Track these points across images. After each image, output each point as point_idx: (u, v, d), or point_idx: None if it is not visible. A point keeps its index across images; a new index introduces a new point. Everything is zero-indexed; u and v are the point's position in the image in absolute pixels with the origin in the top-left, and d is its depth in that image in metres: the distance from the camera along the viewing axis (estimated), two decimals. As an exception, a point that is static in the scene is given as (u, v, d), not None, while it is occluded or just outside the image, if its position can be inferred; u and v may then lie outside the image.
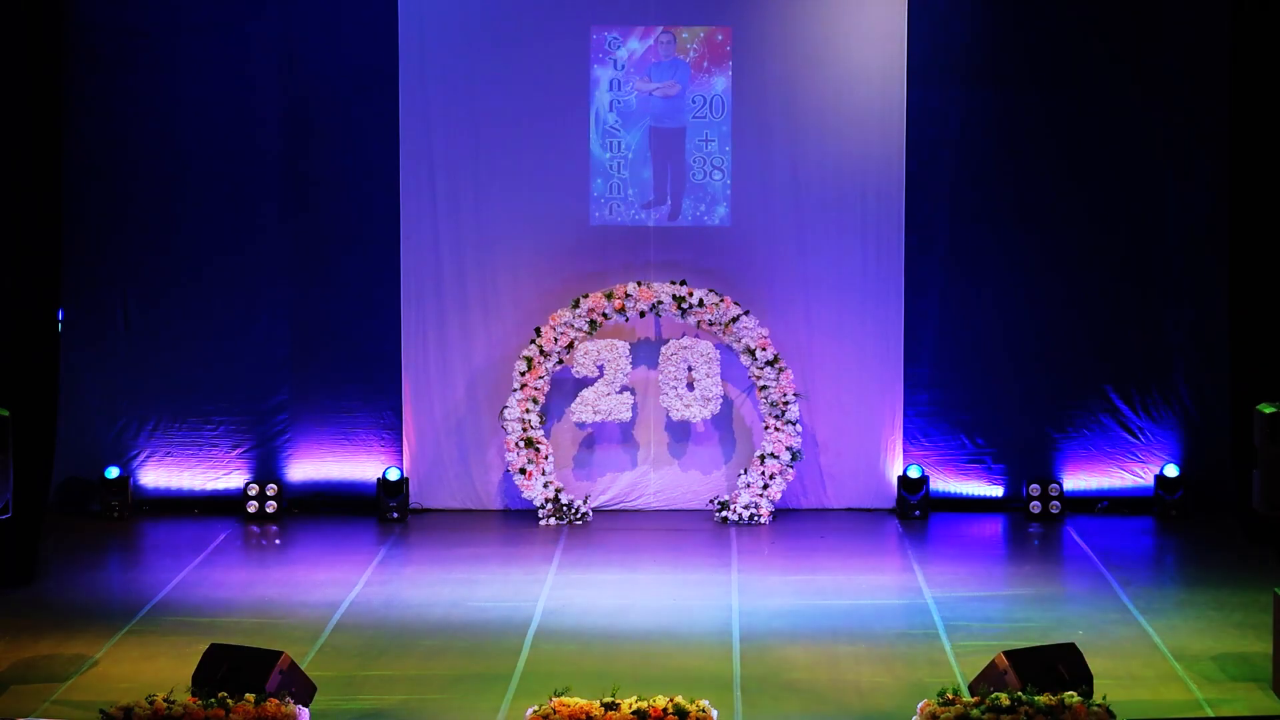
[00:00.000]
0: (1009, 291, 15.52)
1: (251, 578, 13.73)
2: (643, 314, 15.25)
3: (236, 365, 15.56)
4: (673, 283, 15.19)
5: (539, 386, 15.17)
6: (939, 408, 15.60)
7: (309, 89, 15.40)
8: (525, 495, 15.25)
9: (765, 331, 15.12)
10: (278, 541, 14.88)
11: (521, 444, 15.14)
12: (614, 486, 15.60)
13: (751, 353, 15.13)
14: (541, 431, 15.23)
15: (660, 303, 15.15)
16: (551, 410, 15.42)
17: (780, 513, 15.35)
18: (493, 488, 15.62)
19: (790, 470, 15.20)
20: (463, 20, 15.30)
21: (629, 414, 15.30)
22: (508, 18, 15.28)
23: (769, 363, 15.12)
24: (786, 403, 15.13)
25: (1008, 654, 10.05)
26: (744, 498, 15.17)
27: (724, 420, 15.52)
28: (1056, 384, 15.54)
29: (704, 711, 9.63)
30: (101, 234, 15.42)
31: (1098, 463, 15.56)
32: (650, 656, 11.46)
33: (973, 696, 9.78)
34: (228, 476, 15.63)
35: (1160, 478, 15.41)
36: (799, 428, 15.18)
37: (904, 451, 15.54)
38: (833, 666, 11.29)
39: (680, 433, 15.56)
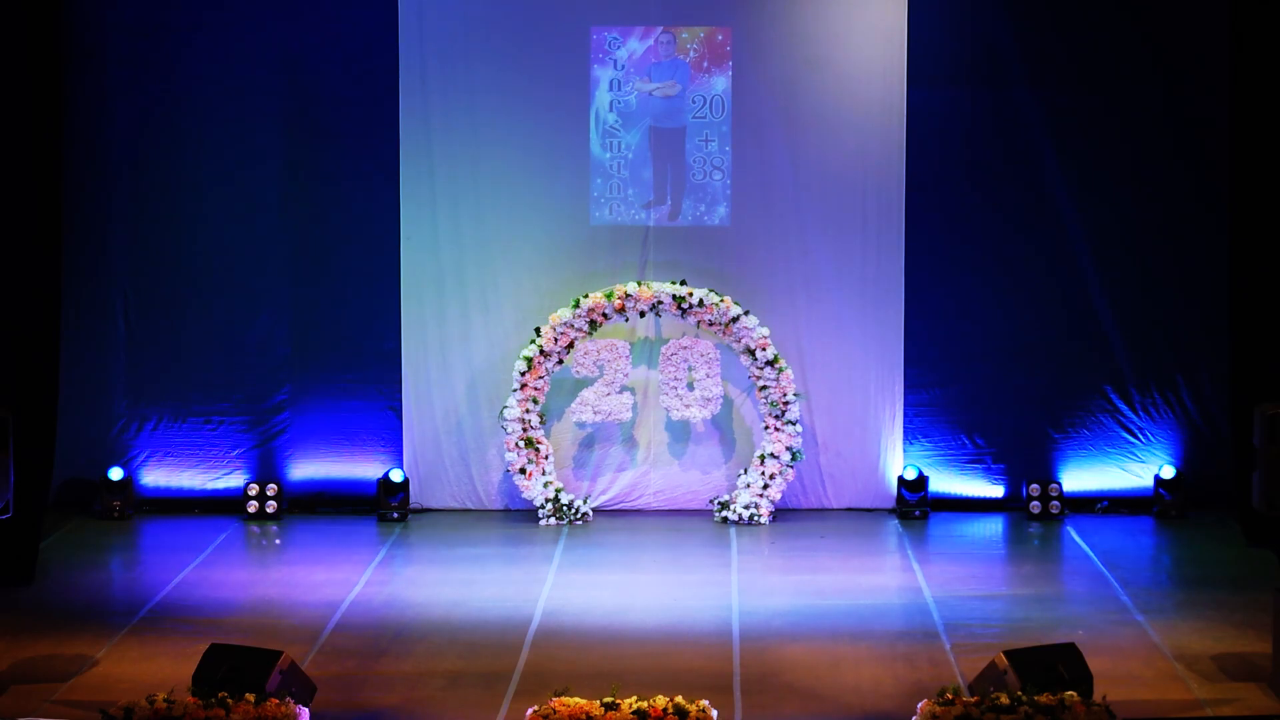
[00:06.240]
0: (1009, 291, 15.52)
1: (251, 578, 13.74)
2: (643, 314, 15.25)
3: (236, 365, 15.56)
4: (673, 282, 15.19)
5: (539, 386, 15.17)
6: (939, 408, 15.60)
7: (309, 89, 15.39)
8: (525, 495, 15.25)
9: (765, 331, 15.12)
10: (278, 541, 14.89)
11: (521, 444, 15.14)
12: (614, 486, 15.60)
13: (751, 353, 15.13)
14: (541, 431, 15.23)
15: (660, 303, 15.15)
16: (551, 410, 15.42)
17: (780, 513, 15.35)
18: (493, 488, 15.62)
19: (790, 470, 15.20)
20: (463, 21, 15.30)
21: (629, 414, 15.31)
22: (508, 18, 15.28)
23: (769, 363, 15.12)
24: (786, 403, 15.13)
25: (1008, 654, 10.05)
26: (744, 498, 15.17)
27: (724, 420, 15.52)
28: (1056, 384, 15.54)
29: (704, 711, 9.64)
30: (101, 234, 15.43)
31: (1098, 463, 15.56)
32: (650, 656, 11.46)
33: (973, 696, 9.79)
34: (228, 476, 15.63)
35: (1160, 478, 15.41)
36: (799, 428, 15.18)
37: (904, 451, 15.54)
38: (833, 666, 11.29)
39: (680, 433, 15.56)
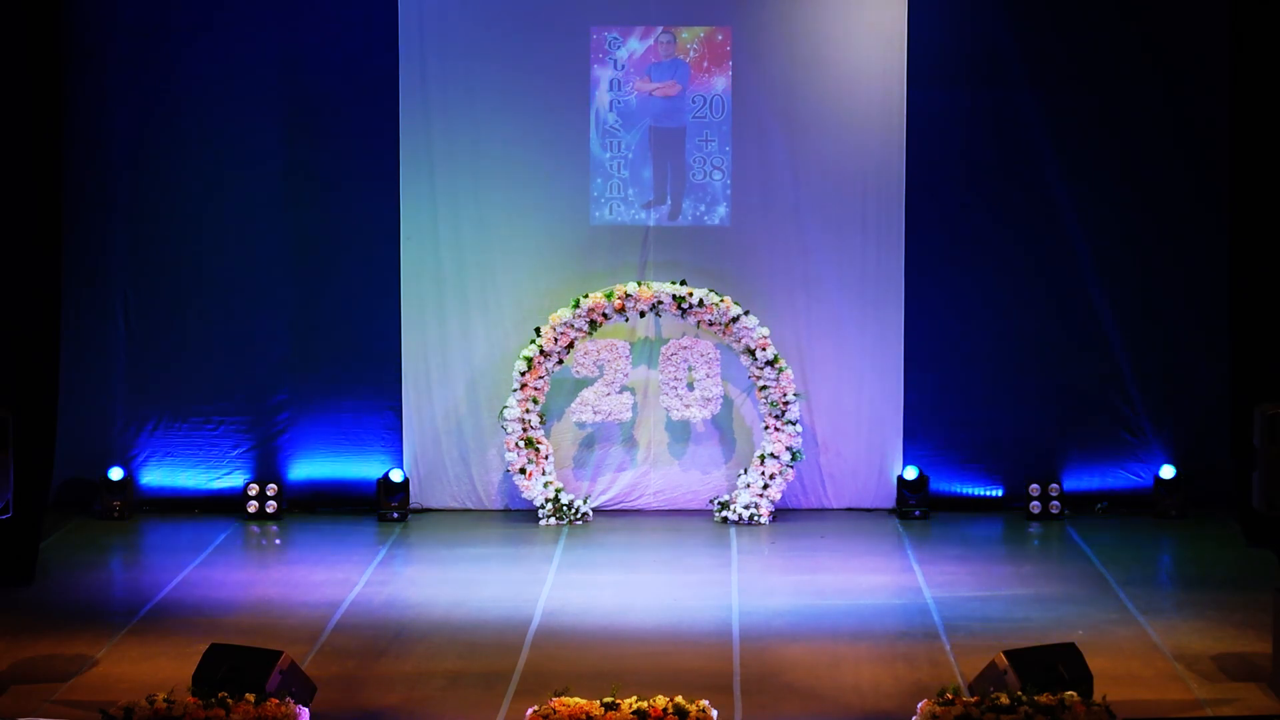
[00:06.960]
0: (1009, 291, 15.52)
1: (251, 578, 13.73)
2: (643, 314, 15.25)
3: (236, 365, 15.55)
4: (673, 282, 15.20)
5: (539, 386, 15.17)
6: (939, 408, 15.59)
7: (309, 89, 15.39)
8: (525, 495, 15.25)
9: (766, 331, 15.12)
10: (278, 541, 14.89)
11: (521, 444, 15.14)
12: (614, 486, 15.60)
13: (751, 353, 15.13)
14: (541, 431, 15.23)
15: (660, 303, 15.15)
16: (551, 410, 15.42)
17: (780, 513, 15.35)
18: (493, 488, 15.62)
19: (790, 470, 15.20)
20: (463, 20, 15.30)
21: (629, 414, 15.31)
22: (508, 17, 15.28)
23: (769, 363, 15.12)
24: (786, 403, 15.13)
25: (1008, 654, 10.06)
26: (744, 498, 15.17)
27: (724, 420, 15.52)
28: (1056, 384, 15.54)
29: (704, 711, 9.64)
30: (102, 234, 15.43)
31: (1098, 463, 15.56)
32: (650, 656, 11.46)
33: (973, 696, 9.79)
34: (228, 476, 15.63)
35: (1160, 478, 15.40)
36: (799, 428, 15.18)
37: (904, 451, 15.54)
38: (833, 666, 11.29)
39: (680, 433, 15.55)
